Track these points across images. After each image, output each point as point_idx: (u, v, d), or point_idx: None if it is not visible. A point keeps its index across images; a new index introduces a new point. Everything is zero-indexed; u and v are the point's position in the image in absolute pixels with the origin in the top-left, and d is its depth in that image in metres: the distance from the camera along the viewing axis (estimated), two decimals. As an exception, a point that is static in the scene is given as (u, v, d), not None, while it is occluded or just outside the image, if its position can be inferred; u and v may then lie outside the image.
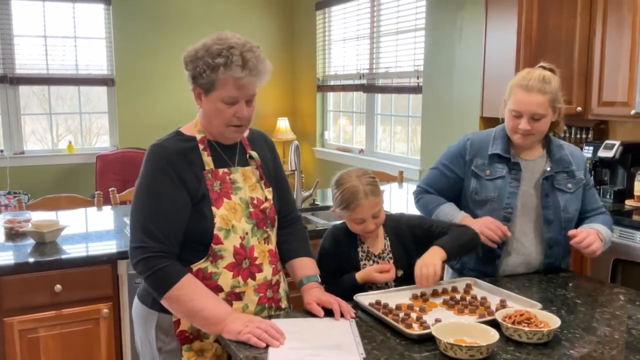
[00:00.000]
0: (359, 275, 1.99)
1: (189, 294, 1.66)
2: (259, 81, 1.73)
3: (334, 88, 6.35)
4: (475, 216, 2.19)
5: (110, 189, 3.64)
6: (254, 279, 1.78)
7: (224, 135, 1.78)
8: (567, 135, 4.12)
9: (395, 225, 2.12)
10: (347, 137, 6.39)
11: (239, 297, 1.75)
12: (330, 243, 2.10)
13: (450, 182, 2.28)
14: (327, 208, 3.56)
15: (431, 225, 2.10)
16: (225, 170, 1.79)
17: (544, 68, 2.16)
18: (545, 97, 2.07)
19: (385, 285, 2.02)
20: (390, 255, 2.08)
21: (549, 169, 2.17)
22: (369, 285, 2.00)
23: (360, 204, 1.96)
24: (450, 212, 2.21)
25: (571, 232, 2.12)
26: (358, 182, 1.99)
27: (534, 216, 2.18)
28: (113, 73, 6.13)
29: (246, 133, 1.93)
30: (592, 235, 2.08)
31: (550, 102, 2.09)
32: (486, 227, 2.09)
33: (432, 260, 1.92)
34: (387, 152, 5.65)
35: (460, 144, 2.28)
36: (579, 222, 2.24)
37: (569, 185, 2.17)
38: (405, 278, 2.03)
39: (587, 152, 3.73)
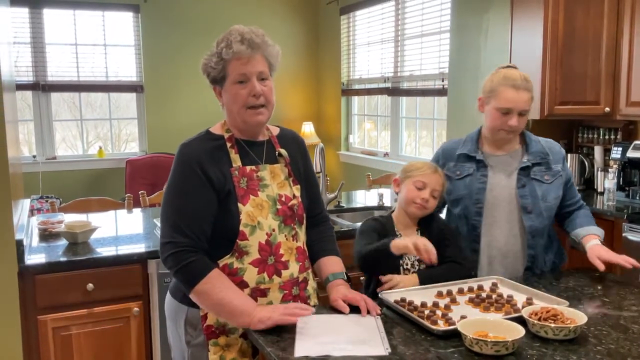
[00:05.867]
0: (395, 243, 1.97)
1: (217, 287, 1.70)
2: (263, 57, 1.79)
3: (358, 92, 6.37)
4: (452, 213, 2.32)
5: (140, 192, 3.71)
6: (279, 275, 1.80)
7: (246, 121, 1.81)
8: (596, 136, 4.08)
9: (428, 221, 2.20)
10: (372, 141, 6.40)
11: (263, 293, 1.78)
12: (373, 223, 2.19)
13: None
14: (352, 210, 3.59)
15: (446, 240, 2.15)
16: (253, 167, 1.82)
17: (512, 67, 2.25)
18: (530, 95, 2.18)
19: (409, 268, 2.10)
20: None
21: (525, 160, 2.24)
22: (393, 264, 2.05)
23: (431, 169, 2.16)
24: None
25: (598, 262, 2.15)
26: (435, 164, 2.22)
27: (508, 208, 2.22)
28: (142, 80, 6.25)
29: (276, 131, 1.97)
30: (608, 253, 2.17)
31: (532, 99, 2.20)
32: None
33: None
34: (412, 155, 5.65)
35: (436, 153, 2.41)
36: (560, 215, 2.34)
37: (546, 177, 2.23)
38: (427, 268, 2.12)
39: (616, 153, 3.69)
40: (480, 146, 2.30)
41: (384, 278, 2.04)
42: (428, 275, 2.06)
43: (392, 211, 2.25)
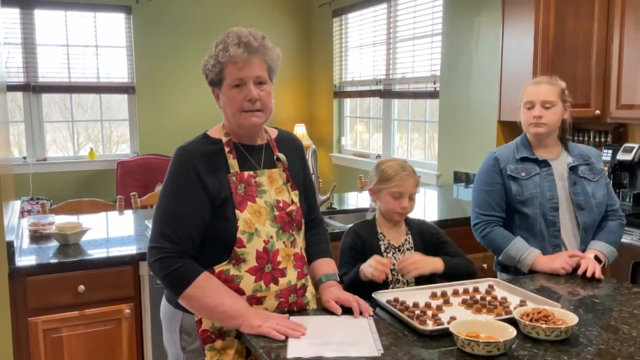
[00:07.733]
0: (362, 272, 2.01)
1: (207, 290, 1.68)
2: (261, 61, 1.75)
3: (350, 94, 6.38)
4: (523, 214, 2.35)
5: (131, 194, 3.70)
6: (276, 283, 1.77)
7: (241, 124, 1.77)
8: (586, 138, 4.10)
9: (419, 226, 2.26)
10: (364, 143, 6.42)
11: (259, 301, 1.76)
12: (352, 237, 2.18)
13: (501, 193, 2.39)
14: (344, 212, 3.59)
15: (444, 242, 2.23)
16: (251, 173, 1.79)
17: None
18: (554, 87, 2.34)
19: (396, 282, 2.11)
20: (412, 246, 2.19)
21: (571, 160, 2.39)
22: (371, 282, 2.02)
23: (403, 177, 2.14)
24: (522, 248, 2.31)
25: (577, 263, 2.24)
26: (402, 163, 2.21)
27: (566, 206, 2.35)
28: (133, 81, 6.23)
29: (274, 134, 1.94)
30: (591, 264, 2.21)
31: (559, 93, 2.34)
32: (562, 267, 2.23)
33: (426, 263, 2.06)
34: (403, 157, 5.66)
35: (489, 160, 2.45)
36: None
37: (592, 176, 2.39)
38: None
39: (606, 155, 3.71)
40: (534, 150, 2.41)
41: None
42: (452, 265, 2.09)
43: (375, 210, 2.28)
